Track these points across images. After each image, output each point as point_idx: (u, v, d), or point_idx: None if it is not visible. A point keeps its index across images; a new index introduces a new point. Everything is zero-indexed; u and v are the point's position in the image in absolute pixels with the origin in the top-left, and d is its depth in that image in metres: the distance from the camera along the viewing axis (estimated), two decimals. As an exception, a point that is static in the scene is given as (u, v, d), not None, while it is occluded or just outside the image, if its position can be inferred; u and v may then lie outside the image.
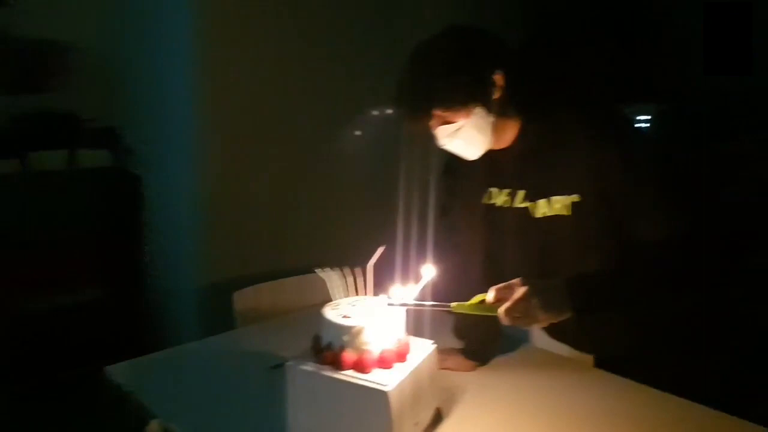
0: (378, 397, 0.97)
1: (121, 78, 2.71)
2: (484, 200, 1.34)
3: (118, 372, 1.33)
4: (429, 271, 1.11)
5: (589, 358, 1.39)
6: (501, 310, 1.07)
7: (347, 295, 1.15)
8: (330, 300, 1.17)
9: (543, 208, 1.25)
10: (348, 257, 1.44)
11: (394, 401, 0.98)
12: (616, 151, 1.15)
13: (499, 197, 1.32)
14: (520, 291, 1.06)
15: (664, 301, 1.20)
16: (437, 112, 1.18)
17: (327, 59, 2.51)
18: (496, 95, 1.18)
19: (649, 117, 2.88)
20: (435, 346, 1.14)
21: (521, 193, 1.28)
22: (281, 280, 1.84)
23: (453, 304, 1.11)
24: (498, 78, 1.18)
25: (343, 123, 2.62)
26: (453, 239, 1.39)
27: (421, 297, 1.11)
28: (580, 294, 1.08)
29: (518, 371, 1.37)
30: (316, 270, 1.17)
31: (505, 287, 1.09)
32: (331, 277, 1.14)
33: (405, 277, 1.16)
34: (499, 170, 1.31)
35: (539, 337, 1.47)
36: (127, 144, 2.74)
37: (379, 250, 1.16)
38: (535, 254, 1.29)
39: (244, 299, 1.73)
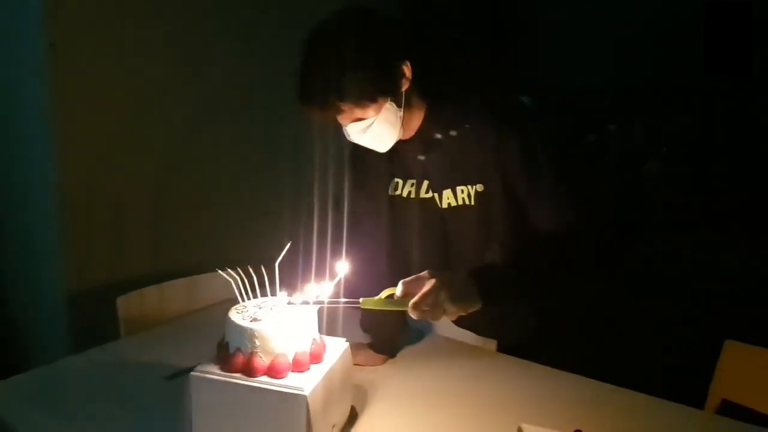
0: (296, 402, 0.92)
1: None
2: (389, 192, 1.33)
3: (-15, 398, 1.16)
4: (343, 267, 1.07)
5: (492, 344, 1.42)
6: (410, 303, 1.04)
7: (254, 297, 1.08)
8: (230, 301, 1.10)
9: (448, 198, 1.25)
10: (243, 255, 1.36)
11: (312, 405, 0.93)
12: (516, 140, 1.17)
13: (405, 188, 1.31)
14: (429, 284, 1.04)
15: (563, 288, 1.24)
16: (346, 108, 1.13)
17: (205, 43, 2.38)
18: (405, 86, 1.16)
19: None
20: (348, 344, 1.10)
21: (426, 184, 1.28)
22: (169, 282, 1.71)
23: (361, 299, 1.07)
24: (406, 68, 1.15)
25: (232, 111, 2.50)
26: (358, 232, 1.35)
27: (336, 294, 1.07)
28: (486, 285, 1.08)
29: (426, 361, 1.37)
30: (219, 270, 1.08)
31: (413, 280, 1.06)
32: (236, 278, 1.06)
33: (315, 274, 1.11)
34: (403, 161, 1.30)
35: (443, 326, 1.48)
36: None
37: (286, 247, 1.10)
38: (441, 244, 1.30)
39: (128, 305, 1.58)
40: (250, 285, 1.08)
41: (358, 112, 1.14)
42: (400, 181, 1.32)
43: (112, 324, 1.57)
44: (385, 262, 1.34)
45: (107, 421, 1.11)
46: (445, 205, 1.26)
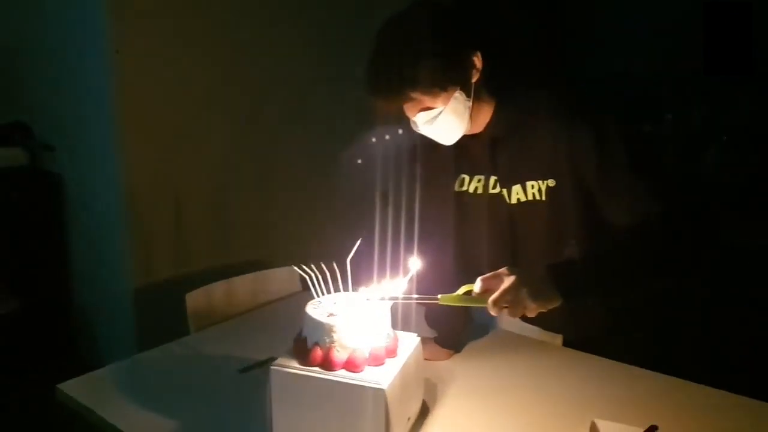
0: (375, 395, 0.94)
1: (29, 71, 2.49)
2: (456, 188, 1.32)
3: (73, 389, 1.21)
4: (415, 263, 1.09)
5: (558, 338, 1.42)
6: (490, 300, 1.04)
7: (328, 292, 1.10)
8: (296, 296, 1.12)
9: (517, 193, 1.24)
10: (305, 252, 1.37)
11: (390, 398, 0.95)
12: (590, 133, 1.15)
13: (471, 184, 1.30)
14: (509, 281, 1.03)
15: (646, 283, 1.19)
16: (416, 96, 1.13)
17: (264, 41, 2.42)
18: (475, 78, 1.16)
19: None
20: (419, 339, 1.12)
21: (493, 179, 1.27)
22: (232, 278, 1.75)
23: (440, 296, 1.08)
24: (477, 59, 1.15)
25: (294, 107, 2.54)
26: (423, 229, 1.35)
27: (408, 290, 1.08)
28: (566, 282, 1.06)
29: (491, 356, 1.37)
30: (293, 266, 1.11)
31: (491, 277, 1.06)
32: (311, 274, 1.08)
33: (385, 270, 1.13)
34: (470, 156, 1.29)
35: (507, 321, 1.48)
36: (42, 141, 2.52)
37: (357, 243, 1.12)
38: (509, 240, 1.29)
39: (196, 301, 1.63)
40: (323, 280, 1.10)
41: (428, 101, 1.14)
42: (467, 177, 1.31)
43: (178, 319, 1.62)
44: (452, 259, 1.34)
45: (186, 412, 1.14)
46: (514, 201, 1.25)
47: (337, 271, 1.10)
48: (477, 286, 1.06)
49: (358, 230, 1.45)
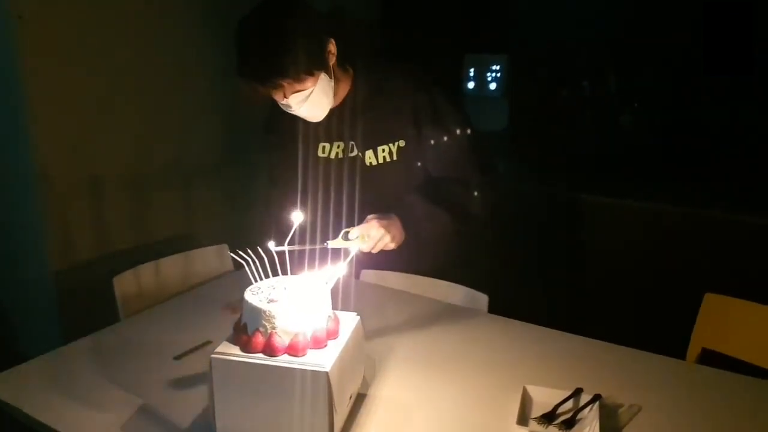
0: (318, 378, 0.96)
1: None
2: (319, 153, 1.54)
3: (-3, 386, 1.16)
4: (298, 217, 1.19)
5: (483, 299, 1.52)
6: (365, 244, 1.36)
7: (265, 277, 1.10)
8: (226, 276, 1.12)
9: (370, 158, 1.50)
10: (222, 228, 1.34)
11: (333, 380, 0.97)
12: (431, 103, 1.45)
13: (332, 150, 1.52)
14: (377, 228, 1.37)
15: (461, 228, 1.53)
16: (290, 84, 1.31)
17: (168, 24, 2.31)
18: (332, 61, 1.38)
19: (499, 66, 3.07)
20: (359, 318, 1.14)
21: (351, 145, 1.50)
22: (161, 260, 1.70)
23: (328, 242, 1.33)
24: (331, 45, 1.37)
25: (199, 88, 2.45)
26: (286, 190, 1.57)
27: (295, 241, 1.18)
28: (410, 225, 1.43)
29: (425, 328, 1.42)
30: (231, 254, 1.09)
31: (364, 225, 1.38)
32: (248, 260, 1.08)
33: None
34: (330, 126, 1.49)
35: (441, 290, 1.55)
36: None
37: (296, 223, 1.14)
38: (369, 195, 1.49)
39: (124, 284, 1.58)
40: (260, 265, 1.09)
41: (298, 86, 1.33)
42: (327, 145, 1.53)
43: (105, 302, 1.56)
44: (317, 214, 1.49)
45: (121, 403, 1.12)
46: (368, 164, 1.50)
47: (274, 254, 1.10)
48: (353, 233, 1.36)
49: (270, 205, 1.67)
